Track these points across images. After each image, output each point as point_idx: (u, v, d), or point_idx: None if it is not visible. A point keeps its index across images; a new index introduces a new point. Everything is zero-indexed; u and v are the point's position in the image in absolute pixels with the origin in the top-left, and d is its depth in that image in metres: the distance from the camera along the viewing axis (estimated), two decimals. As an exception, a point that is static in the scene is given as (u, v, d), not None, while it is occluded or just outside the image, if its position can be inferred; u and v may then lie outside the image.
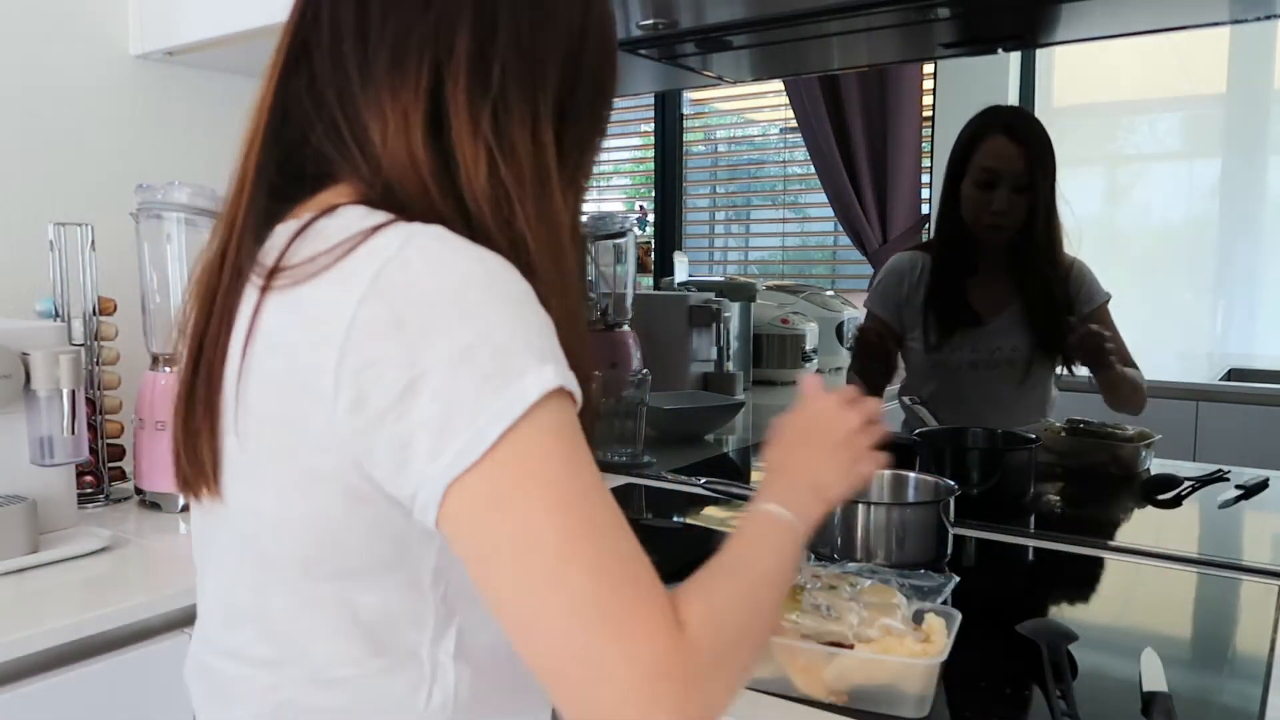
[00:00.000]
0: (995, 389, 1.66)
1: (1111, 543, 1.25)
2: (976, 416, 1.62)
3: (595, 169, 0.73)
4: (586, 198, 0.72)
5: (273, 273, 0.59)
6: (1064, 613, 1.06)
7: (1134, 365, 1.60)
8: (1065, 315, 1.62)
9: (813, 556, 0.96)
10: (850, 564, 0.99)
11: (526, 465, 0.53)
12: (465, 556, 0.54)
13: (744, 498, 1.46)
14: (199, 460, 0.65)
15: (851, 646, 0.78)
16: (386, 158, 0.61)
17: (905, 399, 1.71)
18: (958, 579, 0.89)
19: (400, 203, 0.60)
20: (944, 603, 0.86)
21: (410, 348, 0.53)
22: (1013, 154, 1.57)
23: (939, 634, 0.78)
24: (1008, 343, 1.65)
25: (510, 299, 0.55)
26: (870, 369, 1.79)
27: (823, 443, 0.76)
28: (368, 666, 0.61)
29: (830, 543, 1.12)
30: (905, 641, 0.77)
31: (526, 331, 0.55)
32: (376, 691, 0.61)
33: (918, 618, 0.82)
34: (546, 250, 0.62)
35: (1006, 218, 1.59)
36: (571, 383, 0.55)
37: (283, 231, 0.61)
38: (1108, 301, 1.64)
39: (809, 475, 0.73)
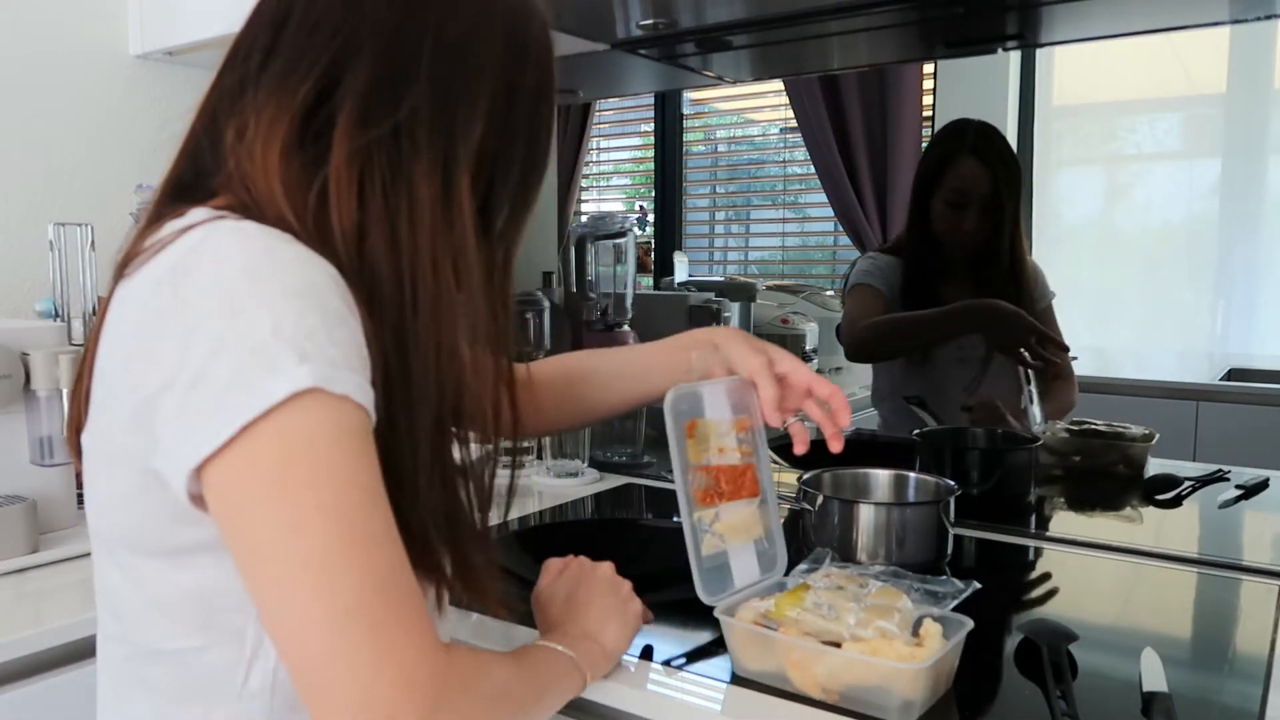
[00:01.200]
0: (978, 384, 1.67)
1: (1111, 543, 1.25)
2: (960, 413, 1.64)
3: (527, 219, 0.75)
4: (516, 251, 0.74)
5: (121, 267, 0.63)
6: (1064, 613, 1.06)
7: (1068, 362, 1.63)
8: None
9: (836, 555, 0.96)
10: (874, 566, 0.99)
11: (270, 464, 0.53)
12: (227, 544, 0.56)
13: (744, 498, 1.46)
14: (75, 441, 0.69)
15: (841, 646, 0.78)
16: (245, 158, 0.63)
17: (904, 397, 1.71)
18: (978, 585, 0.89)
19: (257, 209, 0.61)
20: (955, 609, 0.85)
21: (181, 335, 0.55)
22: (982, 176, 1.62)
23: (933, 639, 0.78)
24: (983, 340, 1.67)
25: (288, 294, 0.55)
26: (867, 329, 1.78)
27: (587, 598, 0.82)
28: (192, 642, 0.63)
29: (830, 542, 1.12)
30: (895, 644, 0.77)
31: (295, 330, 0.54)
32: (199, 668, 0.63)
33: (921, 623, 0.81)
34: (432, 280, 0.63)
35: (976, 236, 1.64)
36: (340, 385, 0.55)
37: (142, 231, 0.65)
38: (1052, 299, 1.67)
39: (580, 628, 0.79)
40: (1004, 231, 1.63)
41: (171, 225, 0.61)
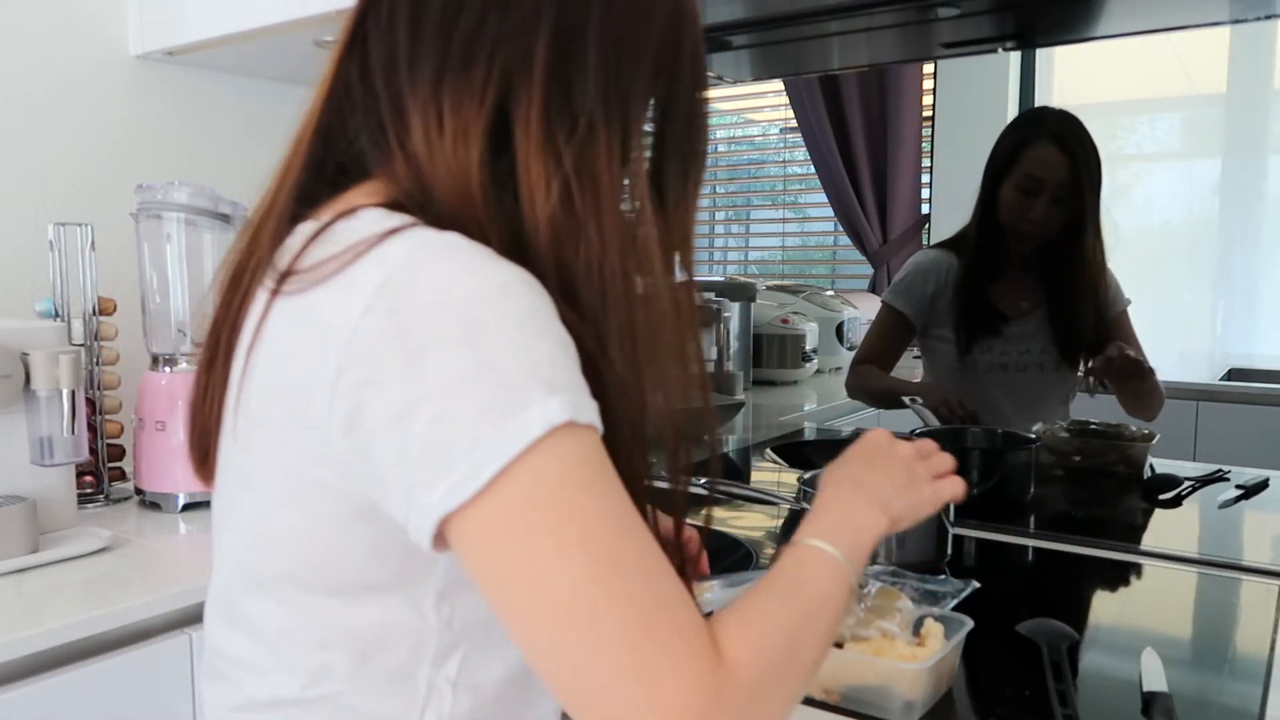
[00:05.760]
0: (1025, 390, 1.64)
1: (1111, 543, 1.25)
2: (1004, 418, 1.61)
3: (697, 201, 0.67)
4: (693, 234, 0.67)
5: (284, 276, 0.56)
6: (1064, 613, 1.06)
7: (1152, 370, 1.59)
8: (1091, 324, 1.61)
9: None
10: (873, 566, 0.99)
11: (533, 504, 0.50)
12: (483, 591, 0.52)
13: (744, 498, 1.46)
14: (203, 453, 0.65)
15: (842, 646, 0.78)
16: (435, 166, 0.57)
17: (905, 399, 1.71)
18: (977, 585, 0.89)
19: (438, 210, 0.56)
20: (955, 609, 0.86)
21: (410, 367, 0.50)
22: (1060, 163, 1.55)
23: (934, 639, 0.78)
24: (1037, 345, 1.64)
25: (522, 321, 0.51)
26: (875, 359, 1.78)
27: (878, 462, 0.72)
28: (354, 684, 0.59)
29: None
30: (896, 645, 0.77)
31: (536, 359, 0.51)
32: (363, 711, 0.59)
33: (922, 623, 0.82)
34: (621, 287, 0.58)
35: (1044, 226, 1.57)
36: (585, 414, 0.52)
37: (301, 233, 0.59)
38: (1128, 307, 1.64)
39: (864, 487, 0.69)
40: (1081, 228, 1.56)
41: (346, 231, 0.55)
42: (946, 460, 0.75)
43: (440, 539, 0.51)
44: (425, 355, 0.50)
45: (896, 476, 0.71)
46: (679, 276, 0.65)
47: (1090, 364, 1.60)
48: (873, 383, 1.79)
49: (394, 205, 0.57)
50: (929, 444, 0.76)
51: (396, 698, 0.59)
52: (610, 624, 0.49)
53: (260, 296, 0.59)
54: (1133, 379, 1.57)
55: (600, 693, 0.50)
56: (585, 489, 0.51)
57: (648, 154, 0.64)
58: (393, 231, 0.53)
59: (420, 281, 0.51)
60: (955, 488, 0.74)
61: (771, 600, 0.58)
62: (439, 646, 0.59)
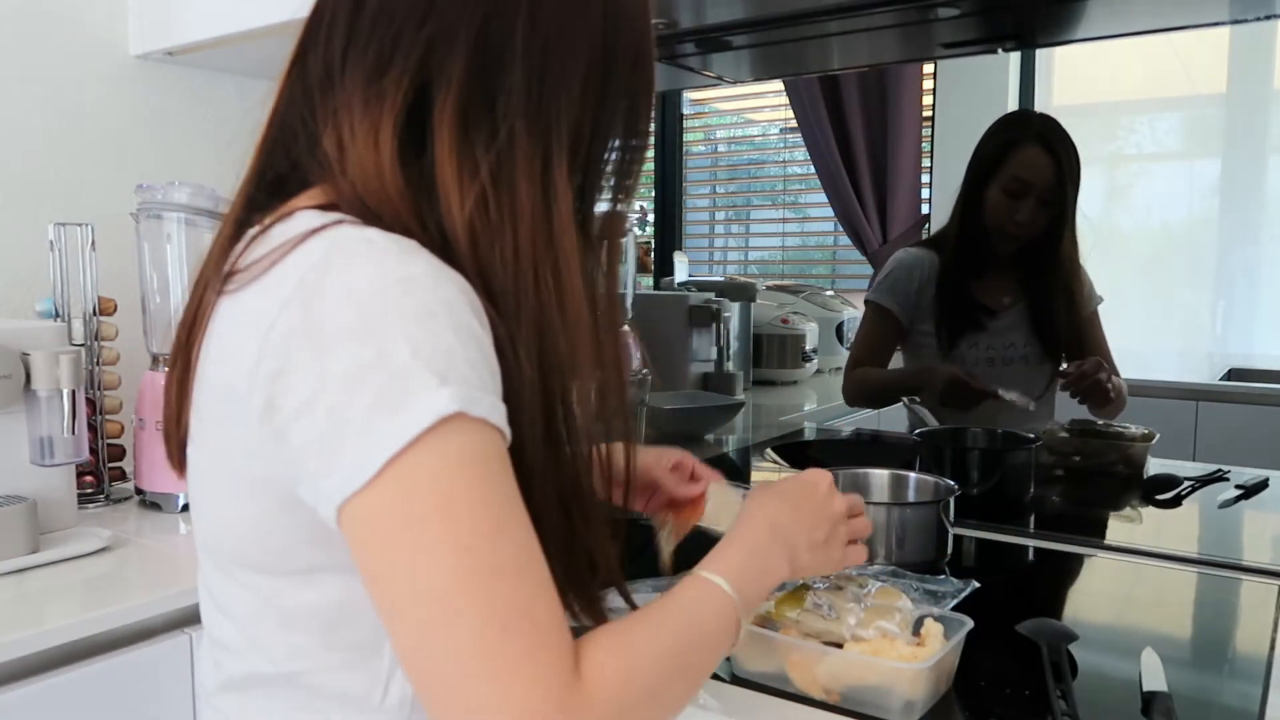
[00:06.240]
0: (1013, 385, 1.66)
1: (1112, 543, 1.25)
2: (992, 414, 1.62)
3: (628, 210, 0.69)
4: (619, 247, 0.69)
5: (226, 277, 0.59)
6: (1064, 613, 1.06)
7: (1116, 372, 1.61)
8: (1068, 320, 1.63)
9: None
10: (873, 566, 0.99)
11: (410, 497, 0.51)
12: (362, 580, 0.54)
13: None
14: (174, 452, 0.69)
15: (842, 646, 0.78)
16: (349, 168, 0.60)
17: (905, 399, 1.71)
18: (977, 585, 0.89)
19: (365, 212, 0.59)
20: (955, 608, 0.86)
21: (315, 358, 0.52)
22: (1047, 166, 1.57)
23: (934, 639, 0.78)
24: (1021, 338, 1.65)
25: (426, 313, 0.53)
26: (869, 360, 1.79)
27: (805, 509, 0.74)
28: (321, 661, 0.61)
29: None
30: (896, 645, 0.77)
31: (432, 351, 0.52)
32: (331, 686, 0.61)
33: (922, 623, 0.82)
34: (533, 291, 0.59)
35: (1029, 227, 1.60)
36: (480, 408, 0.52)
37: (247, 237, 0.62)
38: (1098, 305, 1.66)
39: (780, 532, 0.71)
40: (1060, 227, 1.59)
41: (280, 232, 0.58)
42: (866, 527, 0.80)
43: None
44: (329, 349, 0.52)
45: (816, 531, 0.74)
46: (601, 285, 0.66)
47: (1061, 370, 1.62)
48: (872, 383, 1.79)
49: (330, 207, 0.59)
50: (858, 504, 0.80)
51: (362, 672, 0.61)
52: (467, 624, 0.50)
53: (211, 298, 0.62)
54: (1096, 395, 1.59)
55: (449, 689, 0.50)
56: (465, 485, 0.52)
57: (580, 163, 0.65)
58: (316, 230, 0.56)
59: (330, 276, 0.54)
60: (860, 556, 0.79)
61: (653, 628, 0.59)
62: None
